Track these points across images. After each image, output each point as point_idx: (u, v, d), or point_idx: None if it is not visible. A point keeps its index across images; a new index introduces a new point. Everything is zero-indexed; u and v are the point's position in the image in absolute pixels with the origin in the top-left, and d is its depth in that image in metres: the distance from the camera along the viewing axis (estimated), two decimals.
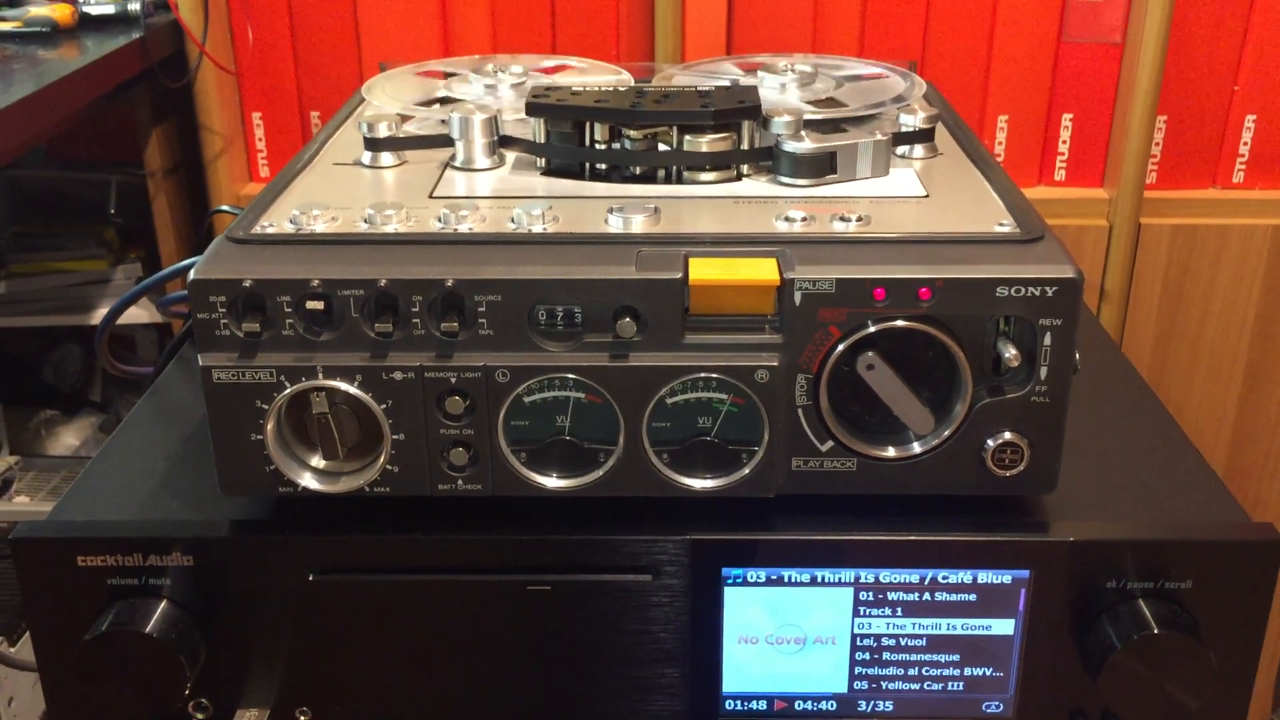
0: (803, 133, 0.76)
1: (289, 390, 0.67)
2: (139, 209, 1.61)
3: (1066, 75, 1.42)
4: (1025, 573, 0.69)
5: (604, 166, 0.79)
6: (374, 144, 0.80)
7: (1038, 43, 1.40)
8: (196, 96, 1.46)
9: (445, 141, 0.80)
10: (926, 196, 0.75)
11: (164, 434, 0.80)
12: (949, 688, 0.72)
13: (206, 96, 1.47)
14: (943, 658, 0.71)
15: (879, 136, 0.77)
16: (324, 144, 0.85)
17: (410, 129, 0.84)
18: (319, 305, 0.66)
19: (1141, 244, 1.43)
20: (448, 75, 0.94)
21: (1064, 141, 1.44)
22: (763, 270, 0.66)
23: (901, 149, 0.81)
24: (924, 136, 0.81)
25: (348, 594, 0.70)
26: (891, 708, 0.72)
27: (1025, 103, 1.42)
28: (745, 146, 0.77)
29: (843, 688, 0.72)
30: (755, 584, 0.70)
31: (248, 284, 0.66)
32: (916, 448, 0.69)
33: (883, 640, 0.71)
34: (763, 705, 0.72)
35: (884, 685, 0.72)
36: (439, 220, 0.71)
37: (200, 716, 0.73)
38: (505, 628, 0.71)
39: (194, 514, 0.72)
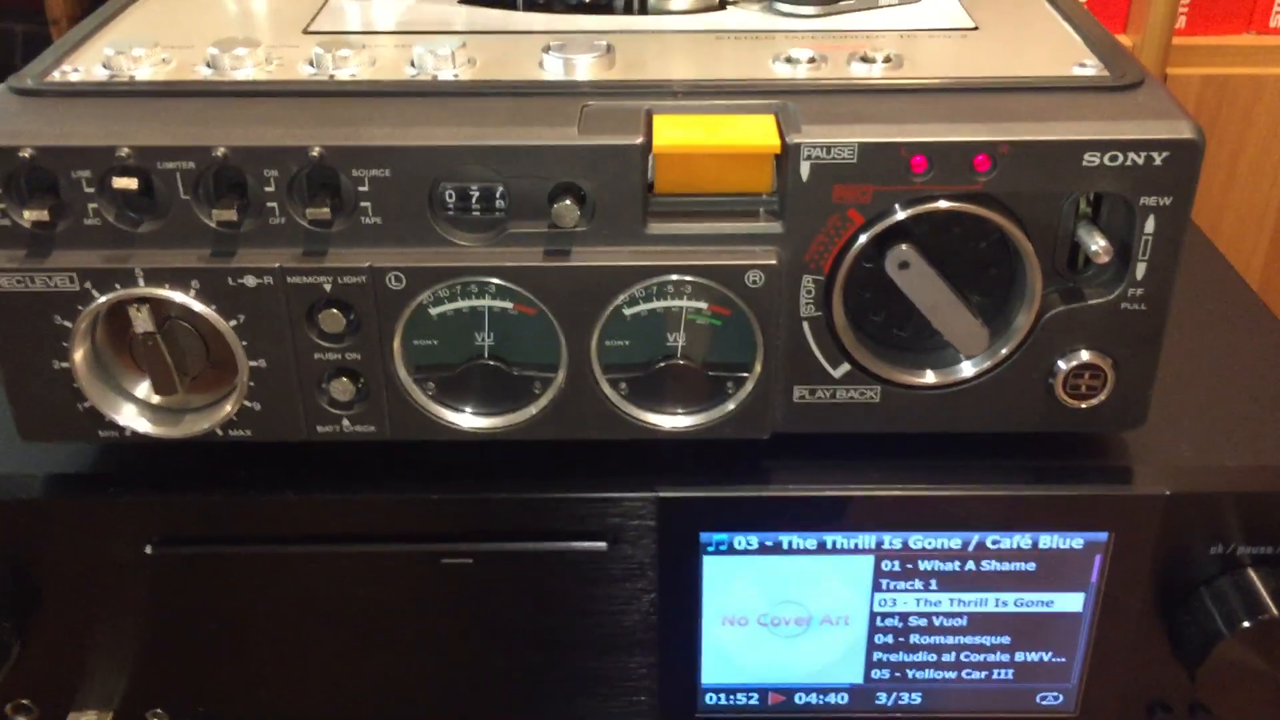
0: None
1: (100, 301, 0.46)
2: None
3: None
4: (1102, 535, 0.49)
5: None
6: None
7: None
8: None
9: None
10: (975, 29, 0.53)
11: None
12: (994, 676, 0.53)
13: None
14: (988, 640, 0.52)
15: None
16: None
17: None
18: (131, 183, 0.44)
19: None
20: None
21: None
22: (756, 131, 0.45)
23: None
24: None
25: (199, 570, 0.50)
26: (919, 700, 0.53)
27: None
28: None
29: (858, 677, 0.53)
30: (744, 552, 0.50)
31: (28, 153, 0.44)
32: (963, 371, 0.48)
33: (910, 620, 0.52)
34: (753, 699, 0.53)
35: (910, 674, 0.53)
36: (310, 64, 0.49)
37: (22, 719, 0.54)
38: (413, 612, 0.51)
39: None
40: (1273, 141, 1.23)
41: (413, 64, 0.49)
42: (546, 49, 0.49)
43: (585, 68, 0.49)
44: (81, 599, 0.51)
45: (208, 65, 0.49)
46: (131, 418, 0.48)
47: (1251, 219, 1.27)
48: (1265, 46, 1.22)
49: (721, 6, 0.56)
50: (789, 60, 0.49)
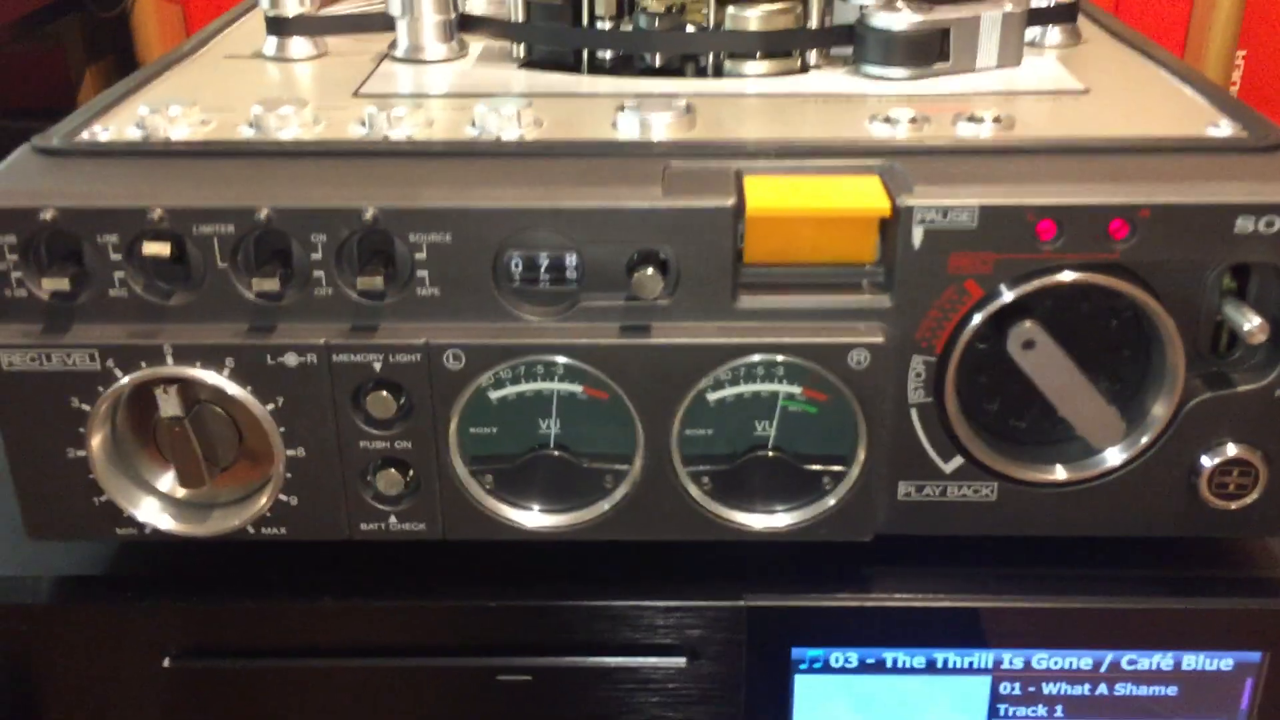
0: (899, 2, 0.49)
1: (122, 381, 0.40)
2: None
3: (1132, 2, 1.16)
4: (1255, 655, 0.43)
5: (608, 55, 0.51)
6: (279, 26, 0.53)
7: None
8: (135, 29, 1.20)
9: (381, 23, 0.53)
10: (1085, 91, 0.48)
11: None
12: None
13: (146, 29, 1.21)
14: None
15: (1009, 8, 0.50)
16: (218, 33, 0.58)
17: (338, 10, 0.57)
18: (164, 249, 0.39)
19: None
20: None
21: None
22: (861, 194, 0.40)
23: (1030, 32, 0.54)
24: (1065, 14, 0.54)
25: (223, 686, 0.44)
26: None
27: None
28: (814, 24, 0.50)
29: None
30: (842, 670, 0.44)
31: (49, 215, 0.39)
32: (1095, 466, 0.42)
33: None
34: None
35: None
36: (362, 124, 0.44)
37: None
38: None
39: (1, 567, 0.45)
40: None
41: (473, 124, 0.44)
42: (620, 108, 0.44)
43: (663, 127, 0.44)
44: (90, 715, 0.44)
45: (250, 125, 0.44)
46: (153, 513, 0.42)
47: None
48: None
49: (803, 70, 0.51)
50: (888, 120, 0.44)
